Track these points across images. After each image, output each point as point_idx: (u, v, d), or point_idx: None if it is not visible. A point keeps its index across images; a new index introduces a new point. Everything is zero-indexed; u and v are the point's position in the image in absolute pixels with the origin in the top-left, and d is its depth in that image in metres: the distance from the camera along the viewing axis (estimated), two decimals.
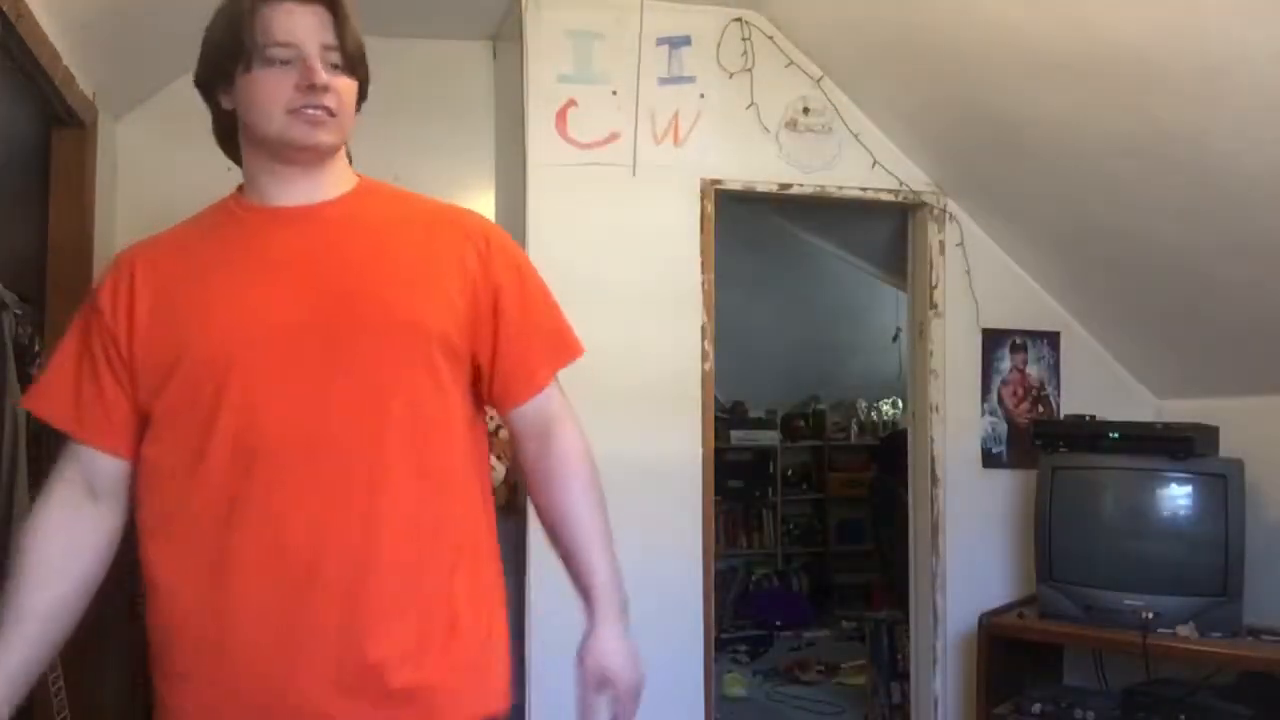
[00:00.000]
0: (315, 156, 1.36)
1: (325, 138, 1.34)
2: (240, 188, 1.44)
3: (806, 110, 3.29)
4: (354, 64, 1.35)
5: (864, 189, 3.34)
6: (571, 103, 3.09)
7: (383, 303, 1.31)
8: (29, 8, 2.12)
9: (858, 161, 3.33)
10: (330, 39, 1.32)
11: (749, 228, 5.12)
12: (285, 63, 1.30)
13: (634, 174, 3.12)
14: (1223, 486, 2.89)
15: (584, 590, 1.44)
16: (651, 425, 3.07)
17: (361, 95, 1.40)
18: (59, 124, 2.72)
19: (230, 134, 1.43)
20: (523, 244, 3.06)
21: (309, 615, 1.24)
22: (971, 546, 3.38)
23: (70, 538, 1.32)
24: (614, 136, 3.12)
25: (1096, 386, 3.52)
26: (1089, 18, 2.40)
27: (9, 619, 1.30)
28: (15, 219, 2.89)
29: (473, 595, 1.37)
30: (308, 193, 1.37)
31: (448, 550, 1.33)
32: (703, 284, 3.17)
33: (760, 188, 3.26)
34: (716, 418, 3.37)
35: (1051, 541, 3.10)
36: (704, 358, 3.15)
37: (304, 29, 1.30)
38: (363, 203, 1.41)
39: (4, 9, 1.99)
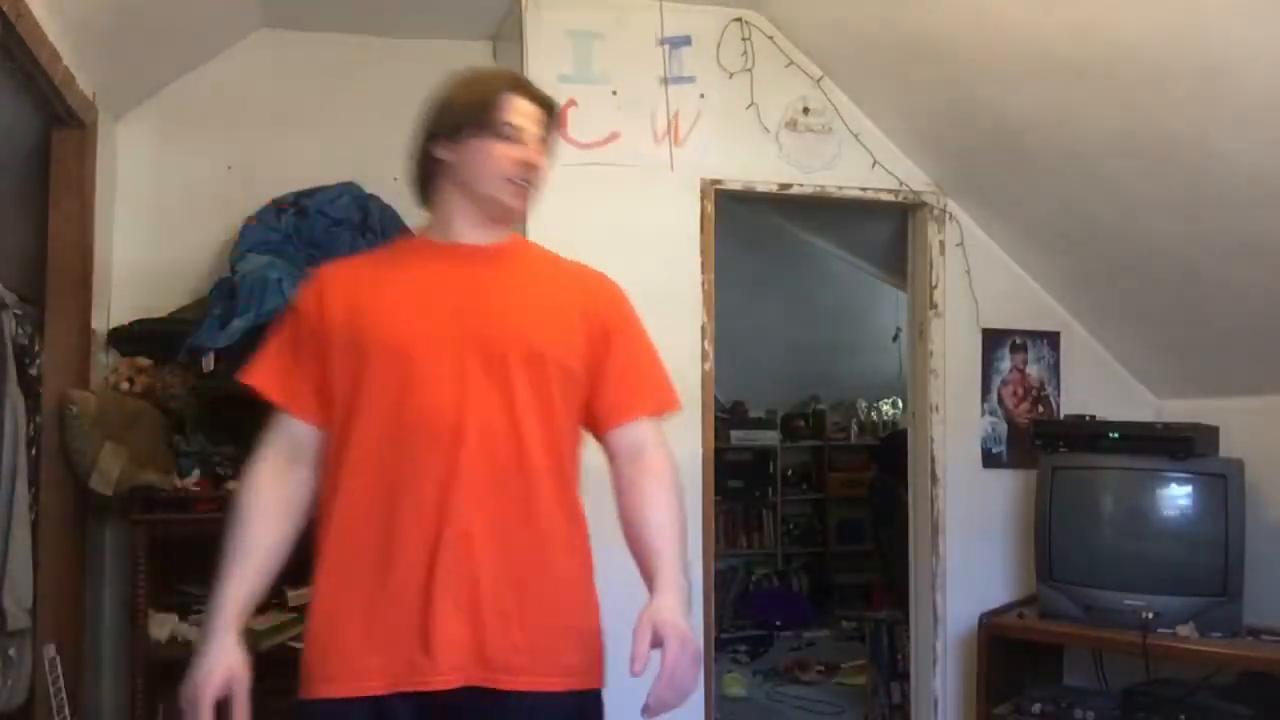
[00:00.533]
0: (509, 216, 1.70)
1: (525, 205, 1.70)
2: (425, 229, 1.76)
3: (806, 110, 3.29)
4: (551, 138, 1.71)
5: (864, 189, 3.34)
6: (571, 103, 3.09)
7: (522, 333, 1.62)
8: (29, 8, 2.13)
9: (858, 161, 3.33)
10: (544, 134, 1.68)
11: (749, 228, 5.12)
12: (510, 140, 1.64)
13: (634, 174, 3.12)
14: (1223, 486, 2.89)
15: (649, 574, 1.60)
16: None
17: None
18: (59, 124, 2.72)
19: (428, 177, 1.73)
20: None
21: (444, 560, 1.53)
22: (971, 546, 3.37)
23: (279, 490, 1.63)
24: (614, 136, 3.12)
25: (1096, 386, 3.52)
26: (1089, 18, 2.40)
27: (239, 554, 1.61)
28: (15, 219, 2.89)
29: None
30: (484, 237, 1.69)
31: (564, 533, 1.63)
32: (703, 284, 3.17)
33: (760, 188, 3.26)
34: (716, 417, 3.37)
35: (1051, 541, 3.10)
36: (704, 358, 3.15)
37: (533, 121, 1.67)
38: (518, 252, 1.75)
39: (4, 9, 1.99)
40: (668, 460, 1.70)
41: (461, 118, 1.66)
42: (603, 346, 1.69)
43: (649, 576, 1.59)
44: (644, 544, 1.62)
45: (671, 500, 1.66)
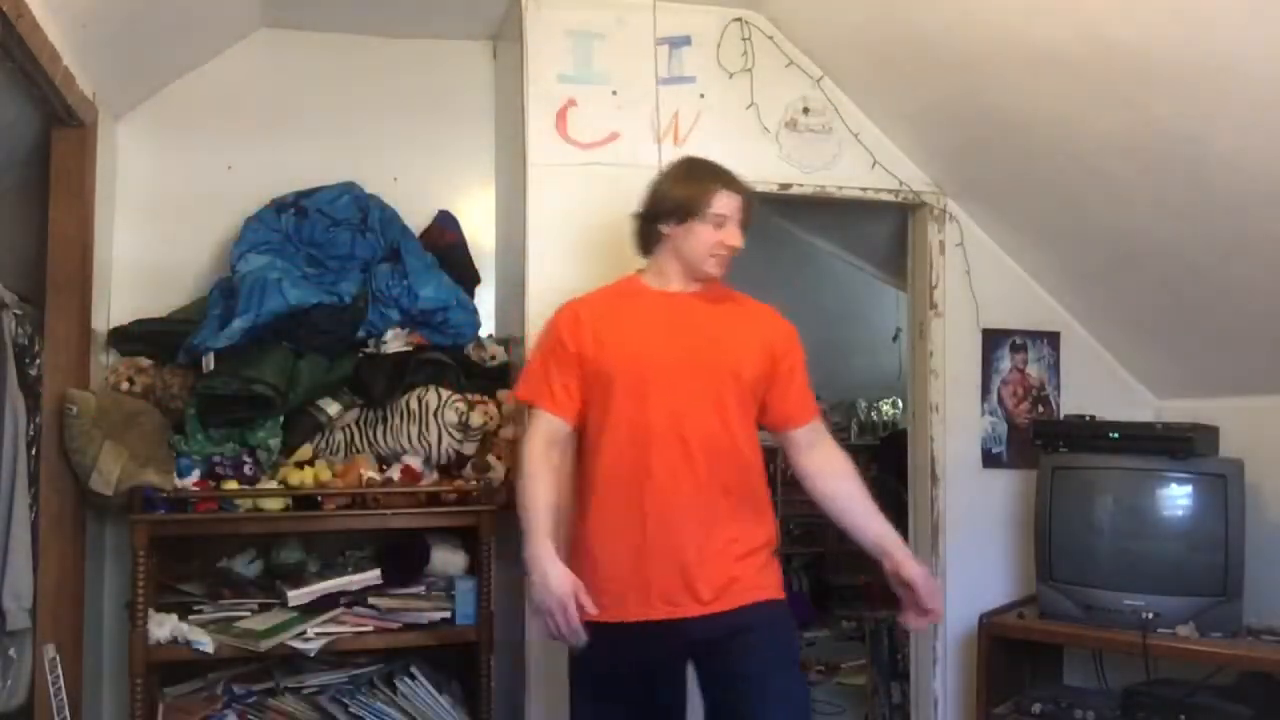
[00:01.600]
0: (710, 280, 2.29)
1: (723, 272, 2.29)
2: (640, 271, 2.34)
3: (806, 110, 3.29)
4: (747, 223, 2.29)
5: (864, 189, 3.34)
6: (571, 103, 3.09)
7: (722, 357, 2.21)
8: (29, 8, 2.12)
9: (858, 161, 3.33)
10: (743, 217, 2.27)
11: (749, 228, 5.11)
12: (717, 227, 2.23)
13: (634, 174, 3.11)
14: (1223, 486, 2.89)
15: (879, 547, 2.25)
16: None
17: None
18: (59, 124, 2.72)
19: (652, 240, 2.30)
20: (522, 244, 3.06)
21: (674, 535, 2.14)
22: (971, 546, 3.37)
23: (547, 463, 2.20)
24: (614, 136, 3.12)
25: (1096, 386, 3.52)
26: (1089, 18, 2.40)
27: (540, 514, 2.15)
28: (15, 219, 2.90)
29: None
30: (687, 287, 2.28)
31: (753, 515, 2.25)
32: None
33: (760, 188, 3.24)
34: None
35: (1051, 541, 3.10)
36: None
37: (733, 209, 2.25)
38: (713, 295, 2.30)
39: (4, 9, 1.99)
40: (839, 447, 2.36)
41: (684, 207, 2.23)
42: (778, 369, 2.28)
43: (877, 548, 2.25)
44: (862, 529, 2.27)
45: (862, 485, 2.31)
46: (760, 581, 2.18)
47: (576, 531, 2.22)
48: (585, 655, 2.12)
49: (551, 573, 2.07)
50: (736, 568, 2.15)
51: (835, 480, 2.30)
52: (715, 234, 2.22)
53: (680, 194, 2.24)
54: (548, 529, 2.13)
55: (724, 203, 2.23)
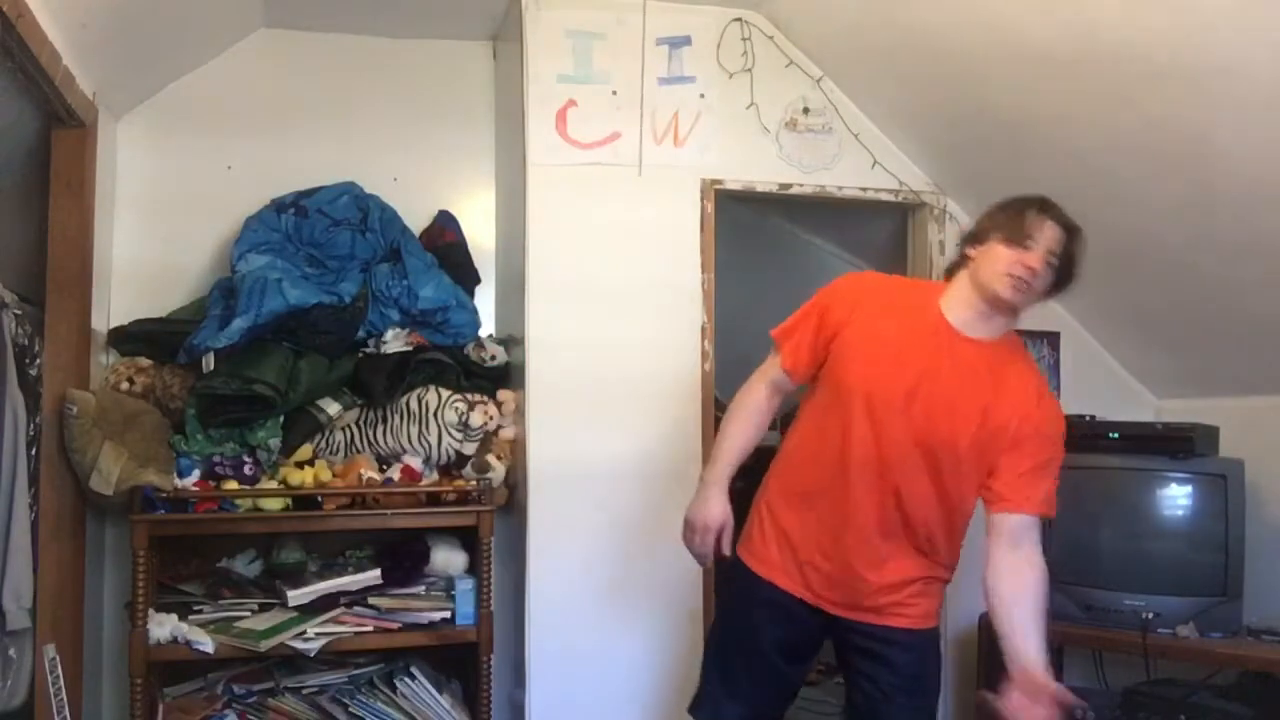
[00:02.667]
0: (1000, 306, 2.09)
1: (1013, 299, 2.06)
2: (940, 303, 2.17)
3: (806, 110, 3.29)
4: (1061, 272, 2.08)
5: (864, 189, 3.34)
6: (571, 103, 3.09)
7: (952, 433, 2.10)
8: (29, 8, 2.12)
9: (858, 161, 3.33)
10: (1058, 249, 2.06)
11: (749, 228, 5.12)
12: (1022, 249, 2.04)
13: (634, 174, 3.12)
14: (1223, 486, 2.89)
15: (1022, 660, 2.03)
16: (651, 425, 3.07)
17: (1059, 289, 2.12)
18: (59, 124, 2.72)
19: (957, 266, 2.18)
20: (523, 244, 3.06)
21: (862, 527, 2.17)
22: (972, 546, 3.36)
23: (759, 407, 2.33)
24: (614, 136, 3.12)
25: (1096, 386, 3.52)
26: (1089, 17, 2.40)
27: (735, 451, 2.32)
28: (15, 219, 2.89)
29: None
30: (981, 330, 2.13)
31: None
32: (703, 283, 3.17)
33: (760, 188, 3.26)
34: (716, 417, 3.36)
35: (1051, 541, 3.09)
36: (704, 358, 3.15)
37: (1047, 238, 2.05)
38: (997, 354, 2.13)
39: (4, 9, 1.99)
40: (1042, 563, 2.16)
41: (992, 226, 2.11)
42: (1015, 442, 2.12)
43: (1019, 660, 2.03)
44: (1020, 642, 2.05)
45: (1043, 605, 2.11)
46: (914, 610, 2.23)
47: (786, 488, 2.30)
48: (739, 607, 2.31)
49: (715, 500, 2.27)
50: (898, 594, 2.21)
51: (1026, 593, 2.12)
52: (1017, 254, 2.04)
53: (995, 214, 2.14)
54: (733, 464, 2.30)
55: (1041, 228, 2.07)
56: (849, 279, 2.31)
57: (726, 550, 2.28)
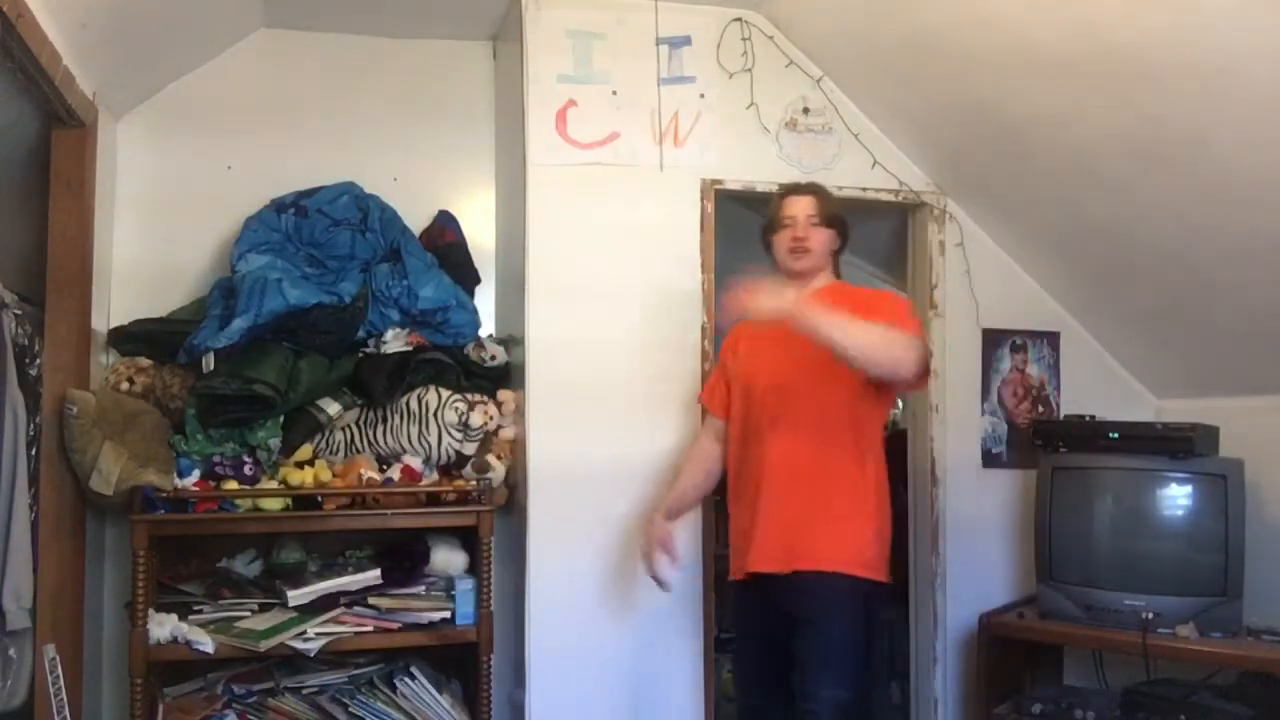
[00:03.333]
0: (800, 274, 2.65)
1: (799, 265, 2.65)
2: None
3: (806, 110, 3.29)
4: (827, 222, 2.66)
5: (864, 189, 3.34)
6: (571, 103, 3.09)
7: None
8: (29, 8, 2.12)
9: (858, 161, 3.33)
10: (812, 211, 2.65)
11: (749, 228, 5.11)
12: (787, 228, 2.66)
13: (634, 174, 3.12)
14: (1223, 486, 2.89)
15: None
16: (652, 425, 3.07)
17: (842, 240, 2.72)
18: (59, 124, 2.72)
19: (768, 249, 2.73)
20: (523, 244, 3.06)
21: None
22: (971, 546, 3.38)
23: (703, 455, 2.83)
24: (614, 136, 3.12)
25: (1096, 386, 3.52)
26: (1089, 17, 2.40)
27: (676, 484, 2.84)
28: (15, 219, 2.89)
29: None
30: (802, 288, 2.59)
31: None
32: (703, 284, 3.17)
33: (760, 188, 3.26)
34: None
35: (1051, 541, 3.10)
36: (704, 358, 3.15)
37: (798, 209, 2.66)
38: (823, 298, 2.48)
39: (4, 9, 1.99)
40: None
41: (766, 229, 2.72)
42: None
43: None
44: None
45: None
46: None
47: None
48: None
49: (656, 522, 2.78)
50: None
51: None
52: (785, 235, 2.65)
53: (770, 210, 2.72)
54: (679, 499, 2.84)
55: (788, 205, 2.67)
56: (729, 335, 2.82)
57: (676, 555, 2.75)
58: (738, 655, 2.79)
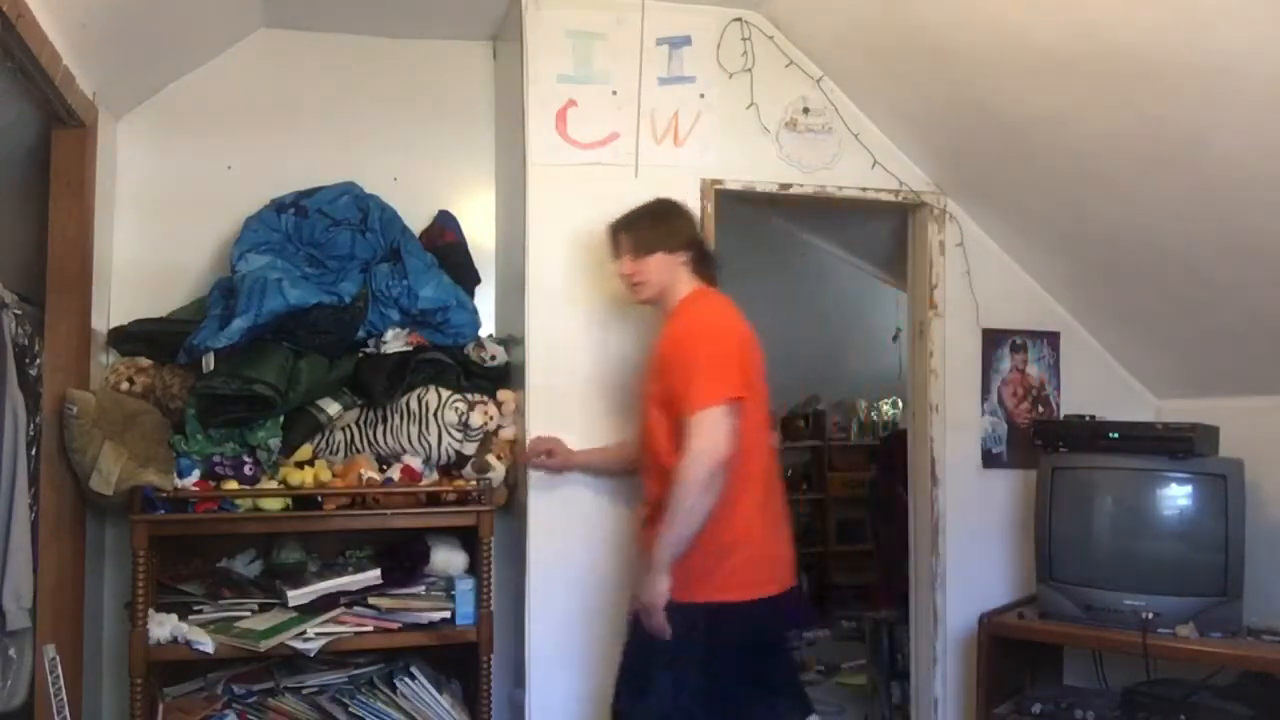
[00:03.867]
0: (648, 302, 2.73)
1: (639, 296, 2.72)
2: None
3: (806, 110, 3.29)
4: (638, 249, 2.67)
5: (864, 189, 3.34)
6: (571, 103, 3.09)
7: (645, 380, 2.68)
8: (29, 8, 2.12)
9: (858, 161, 3.33)
10: (628, 247, 2.69)
11: (749, 228, 5.12)
12: (616, 260, 2.75)
13: (634, 174, 3.12)
14: (1223, 486, 2.89)
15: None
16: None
17: (689, 249, 2.68)
18: (59, 124, 2.72)
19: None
20: (523, 244, 3.06)
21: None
22: (971, 546, 3.37)
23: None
24: (614, 136, 3.12)
25: (1096, 386, 3.52)
26: (1089, 18, 2.40)
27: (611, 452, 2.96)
28: (15, 219, 2.90)
29: None
30: (665, 309, 2.69)
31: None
32: None
33: (760, 188, 3.26)
34: None
35: (1051, 541, 3.10)
36: None
37: (619, 246, 2.73)
38: (669, 317, 2.64)
39: (4, 9, 1.99)
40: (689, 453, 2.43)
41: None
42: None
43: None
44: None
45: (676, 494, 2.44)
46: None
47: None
48: None
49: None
50: None
51: None
52: (616, 268, 2.75)
53: None
54: (600, 455, 3.00)
55: (612, 244, 2.76)
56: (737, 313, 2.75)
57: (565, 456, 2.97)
58: (776, 671, 2.70)
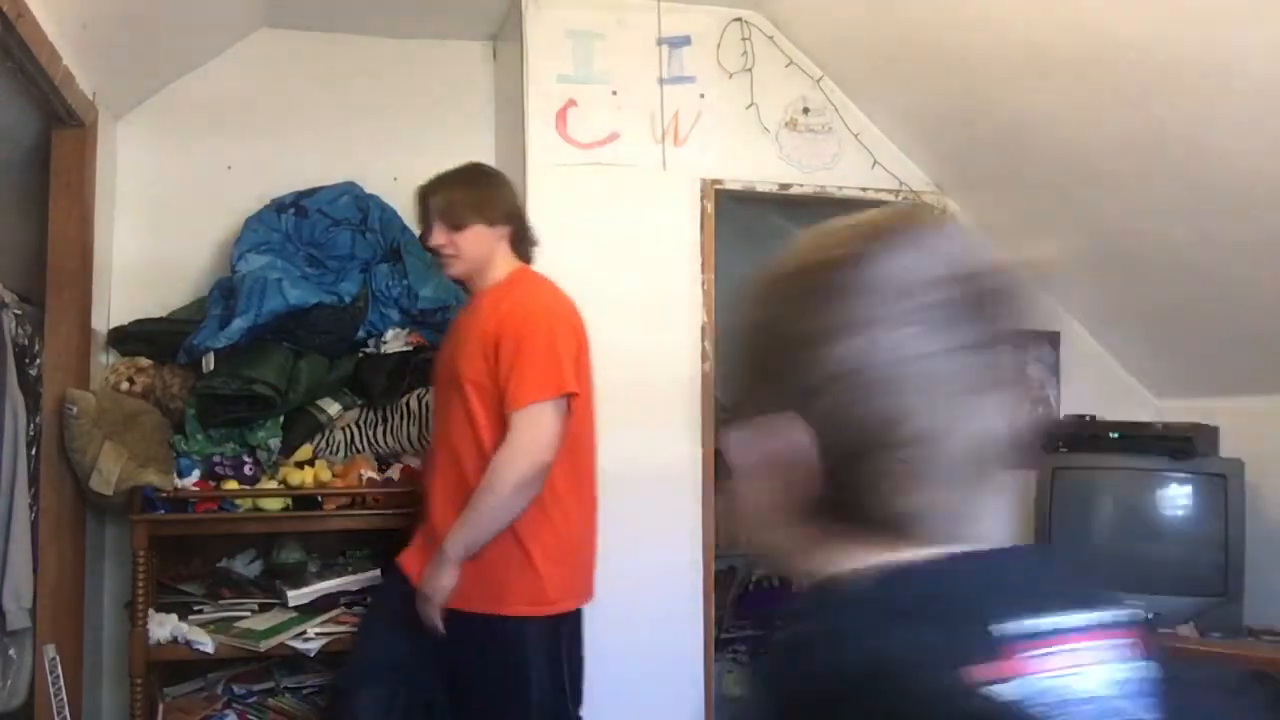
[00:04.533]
0: (460, 279, 2.53)
1: (450, 271, 2.47)
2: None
3: (806, 110, 3.29)
4: (450, 221, 2.39)
5: (864, 189, 3.34)
6: (571, 103, 3.09)
7: (454, 362, 2.39)
8: (29, 8, 2.12)
9: (858, 161, 3.33)
10: (432, 218, 2.42)
11: (749, 228, 5.12)
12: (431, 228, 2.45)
13: (634, 174, 3.12)
14: (1223, 486, 2.89)
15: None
16: (652, 425, 3.07)
17: (472, 221, 2.40)
18: (59, 124, 2.72)
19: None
20: None
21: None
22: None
23: None
24: (614, 136, 3.12)
25: (1096, 386, 3.52)
26: (1089, 17, 2.40)
27: None
28: (15, 219, 2.89)
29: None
30: (481, 287, 2.45)
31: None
32: (703, 284, 3.17)
33: (760, 188, 3.26)
34: (717, 418, 3.36)
35: (1051, 541, 3.09)
36: (704, 358, 3.15)
37: (426, 212, 2.46)
38: (487, 296, 2.41)
39: (4, 9, 1.99)
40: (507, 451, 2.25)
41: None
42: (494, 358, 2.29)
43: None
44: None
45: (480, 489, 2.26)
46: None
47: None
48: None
49: None
50: None
51: None
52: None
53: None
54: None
55: (424, 212, 2.47)
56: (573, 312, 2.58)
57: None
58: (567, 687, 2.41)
